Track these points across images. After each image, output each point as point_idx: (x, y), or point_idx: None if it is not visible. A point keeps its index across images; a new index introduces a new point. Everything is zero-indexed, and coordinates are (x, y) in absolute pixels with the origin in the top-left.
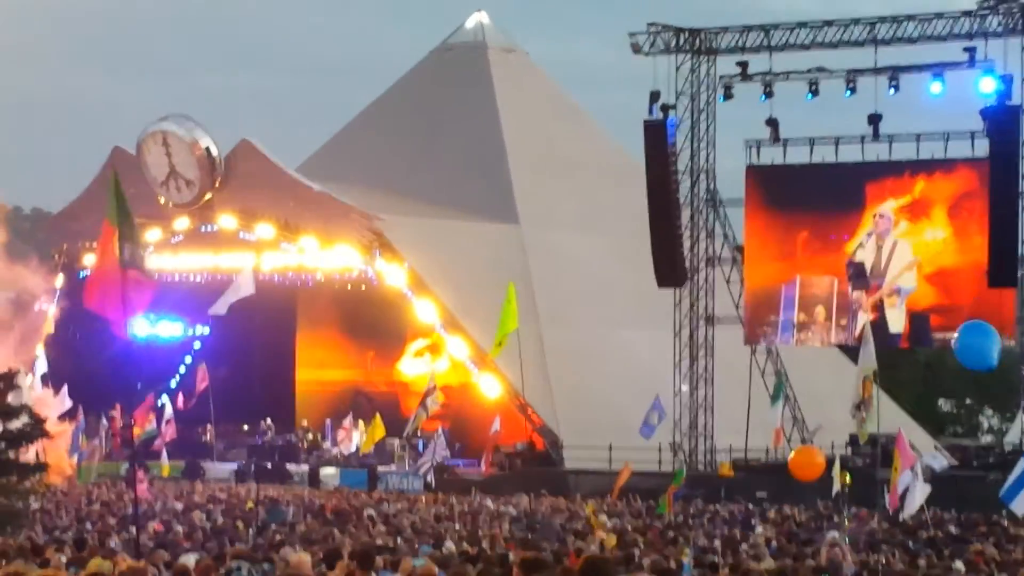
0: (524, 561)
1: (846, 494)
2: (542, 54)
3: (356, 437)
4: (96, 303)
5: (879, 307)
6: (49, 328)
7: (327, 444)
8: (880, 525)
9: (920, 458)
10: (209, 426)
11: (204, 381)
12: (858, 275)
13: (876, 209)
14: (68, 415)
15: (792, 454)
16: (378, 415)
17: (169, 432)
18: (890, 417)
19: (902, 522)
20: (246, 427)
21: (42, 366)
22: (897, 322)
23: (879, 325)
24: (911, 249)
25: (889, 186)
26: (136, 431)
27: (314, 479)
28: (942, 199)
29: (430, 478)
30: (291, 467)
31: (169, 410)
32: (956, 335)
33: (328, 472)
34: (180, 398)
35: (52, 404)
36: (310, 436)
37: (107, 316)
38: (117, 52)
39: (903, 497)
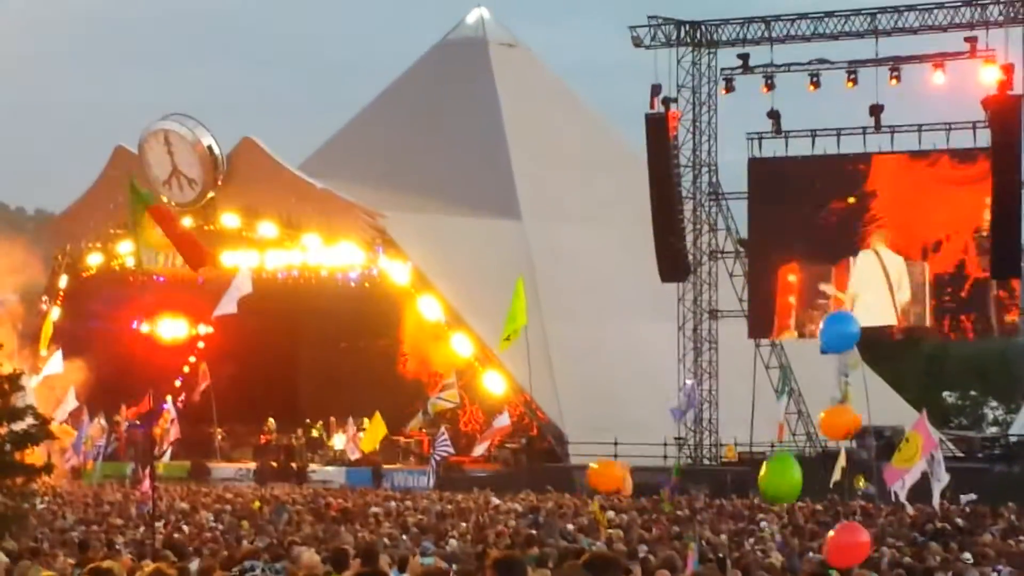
0: (497, 561)
1: (849, 488)
2: (543, 48)
3: (357, 438)
4: None
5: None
6: (48, 330)
7: (332, 442)
8: (887, 518)
9: (938, 447)
10: (219, 429)
11: (205, 379)
12: None
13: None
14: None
15: (823, 415)
16: (378, 413)
17: (174, 432)
18: (894, 409)
19: (903, 507)
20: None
21: (55, 366)
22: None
23: None
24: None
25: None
26: (157, 431)
27: (302, 477)
28: (944, 188)
29: (432, 477)
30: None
31: (173, 410)
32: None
33: (330, 470)
34: (183, 398)
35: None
36: (314, 434)
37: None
38: (119, 51)
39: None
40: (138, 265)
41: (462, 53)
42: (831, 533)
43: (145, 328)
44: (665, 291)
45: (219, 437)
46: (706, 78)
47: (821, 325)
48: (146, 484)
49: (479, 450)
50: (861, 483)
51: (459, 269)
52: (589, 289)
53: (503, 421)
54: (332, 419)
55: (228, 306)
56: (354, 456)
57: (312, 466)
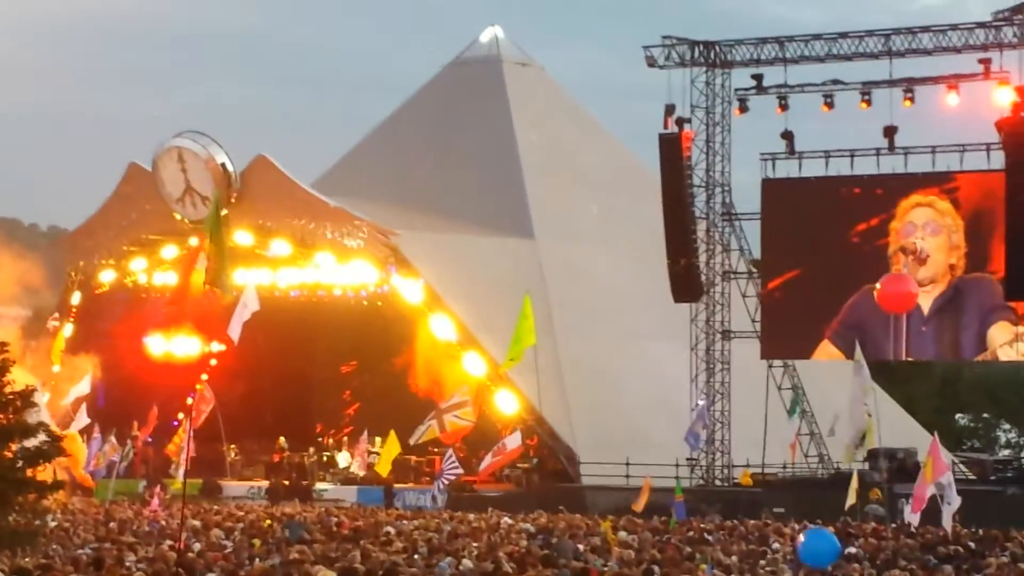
0: None
1: (862, 509)
2: (557, 67)
3: (366, 455)
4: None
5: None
6: (60, 345)
7: (343, 461)
8: (899, 541)
9: (949, 471)
10: (233, 445)
11: (209, 403)
12: None
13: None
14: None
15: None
16: (392, 432)
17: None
18: (907, 431)
19: (917, 534)
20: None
21: (84, 388)
22: None
23: None
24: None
25: (903, 197)
26: (171, 449)
27: (306, 495)
28: (957, 210)
29: (441, 497)
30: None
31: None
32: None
33: (341, 489)
34: (192, 416)
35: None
36: (328, 453)
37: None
38: (132, 67)
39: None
40: (227, 286)
41: (476, 71)
42: (879, 285)
43: (159, 345)
44: (678, 311)
45: (231, 455)
46: (720, 98)
47: (802, 537)
48: (155, 502)
49: (485, 462)
50: (876, 495)
51: (472, 288)
52: (602, 309)
53: (515, 441)
54: (345, 437)
55: (238, 325)
56: (362, 473)
57: (324, 484)
